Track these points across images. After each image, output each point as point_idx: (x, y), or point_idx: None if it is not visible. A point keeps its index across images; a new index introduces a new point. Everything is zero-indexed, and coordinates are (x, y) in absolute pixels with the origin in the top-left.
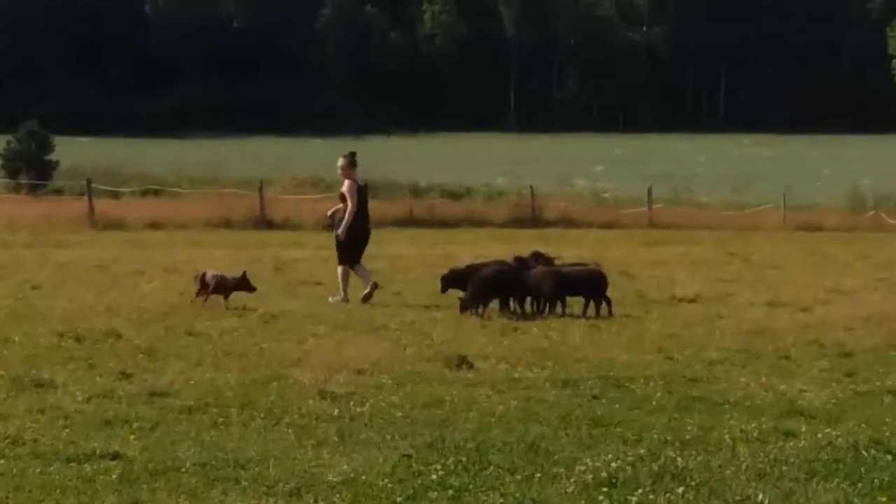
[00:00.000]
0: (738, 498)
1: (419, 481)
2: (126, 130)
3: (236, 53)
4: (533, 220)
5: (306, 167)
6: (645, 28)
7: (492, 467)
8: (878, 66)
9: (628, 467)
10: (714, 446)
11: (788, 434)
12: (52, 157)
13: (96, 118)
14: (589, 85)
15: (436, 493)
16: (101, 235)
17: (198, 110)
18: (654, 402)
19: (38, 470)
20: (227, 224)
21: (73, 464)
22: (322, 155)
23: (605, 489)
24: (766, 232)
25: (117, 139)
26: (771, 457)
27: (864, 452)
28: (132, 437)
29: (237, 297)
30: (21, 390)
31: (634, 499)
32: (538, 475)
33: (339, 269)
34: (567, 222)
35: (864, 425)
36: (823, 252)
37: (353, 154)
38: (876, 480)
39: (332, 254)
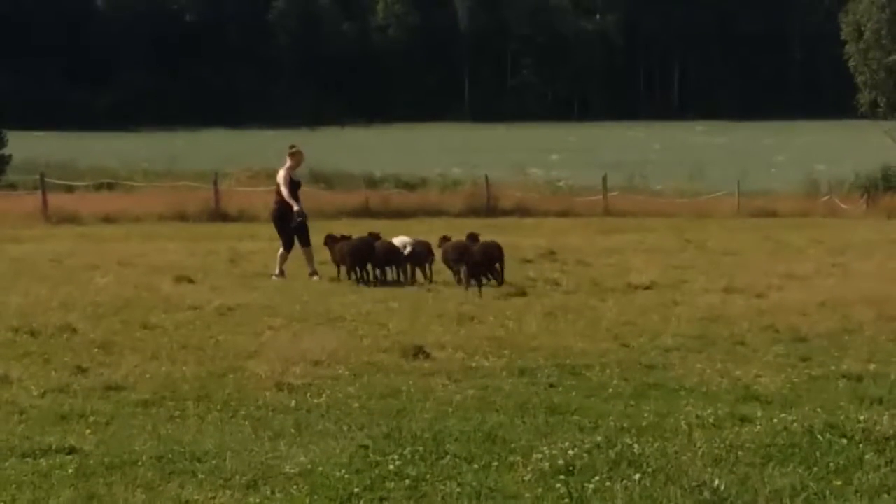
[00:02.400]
0: (694, 483)
1: (376, 472)
2: (79, 124)
3: (188, 45)
4: (489, 209)
5: (260, 159)
6: (598, 16)
7: (449, 456)
8: (830, 52)
9: (585, 455)
10: (670, 432)
11: (744, 419)
12: (6, 151)
13: (48, 112)
14: (543, 74)
15: (393, 484)
16: (56, 230)
17: (150, 103)
18: (610, 390)
19: None
20: (182, 217)
21: (28, 459)
22: (275, 147)
23: (562, 477)
24: (721, 218)
25: (71, 133)
26: (727, 442)
27: (819, 437)
28: (88, 431)
29: (192, 290)
30: None
31: (591, 486)
32: (495, 464)
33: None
34: (523, 211)
35: (819, 409)
36: (778, 238)
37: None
38: (831, 464)
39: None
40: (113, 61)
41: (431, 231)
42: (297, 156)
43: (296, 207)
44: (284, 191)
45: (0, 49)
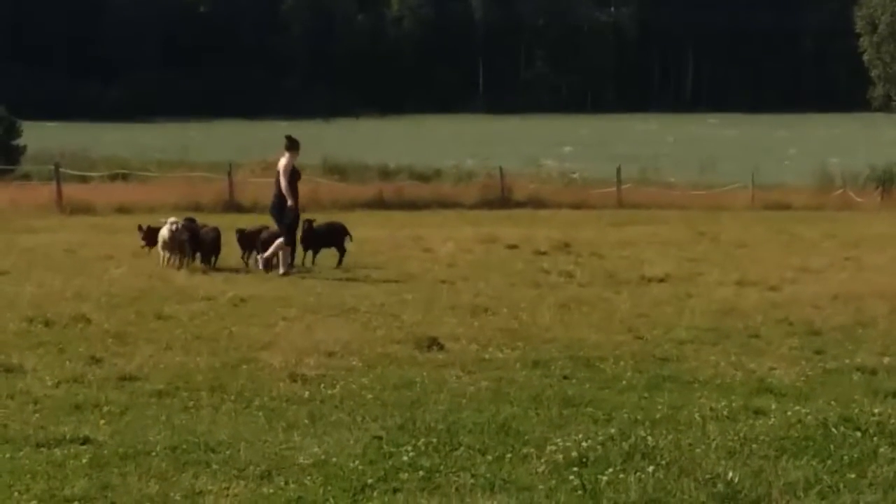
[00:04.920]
0: (708, 476)
1: (390, 463)
2: (92, 115)
3: (202, 37)
4: (502, 201)
5: (274, 150)
6: (612, 8)
7: (462, 448)
8: (842, 45)
9: (599, 447)
10: (684, 425)
11: (758, 412)
12: (20, 142)
13: (61, 103)
14: (556, 66)
15: (407, 475)
16: (70, 220)
17: (163, 95)
18: (624, 382)
19: (7, 455)
20: (196, 208)
21: (43, 449)
22: None
23: (575, 469)
24: (735, 211)
25: (84, 124)
26: (741, 435)
27: (833, 429)
28: (102, 421)
29: (206, 281)
30: None
31: (605, 478)
32: (509, 455)
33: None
34: (536, 203)
35: (833, 402)
36: (791, 231)
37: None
38: (845, 457)
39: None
40: (126, 53)
41: (446, 223)
42: (298, 146)
43: (290, 203)
44: (283, 182)
45: (14, 41)
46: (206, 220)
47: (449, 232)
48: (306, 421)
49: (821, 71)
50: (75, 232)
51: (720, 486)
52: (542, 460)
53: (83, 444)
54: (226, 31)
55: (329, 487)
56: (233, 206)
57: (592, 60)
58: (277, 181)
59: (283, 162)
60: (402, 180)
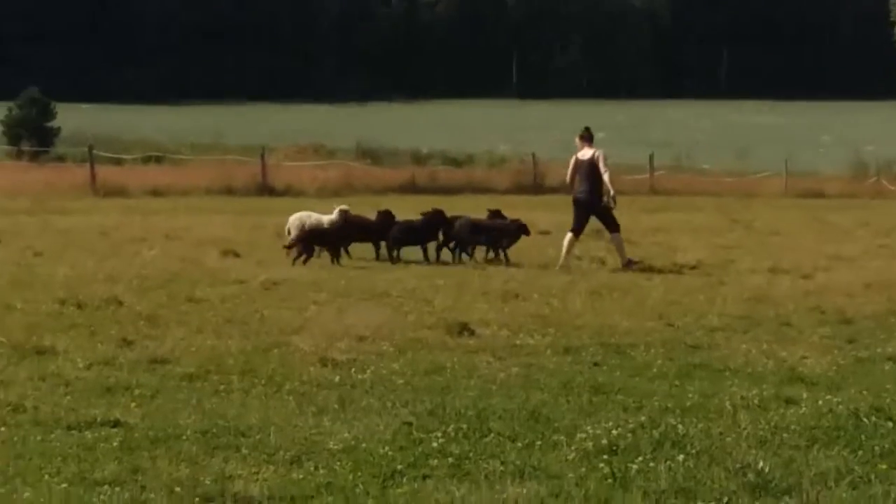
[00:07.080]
0: (738, 465)
1: (420, 449)
2: (126, 97)
3: (235, 21)
4: (535, 186)
5: (307, 134)
6: None
7: (492, 434)
8: (879, 33)
9: (629, 434)
10: (715, 413)
11: (789, 401)
12: (54, 123)
13: (96, 85)
14: (590, 52)
15: (436, 461)
16: (103, 202)
17: (197, 78)
18: (654, 370)
19: (38, 437)
20: (229, 191)
21: (73, 431)
22: (322, 122)
23: (605, 456)
24: (768, 198)
25: (118, 106)
26: (772, 424)
27: (864, 419)
28: (133, 404)
29: (238, 264)
30: (22, 357)
31: (635, 466)
32: (539, 442)
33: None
34: (569, 189)
35: (864, 392)
36: (824, 219)
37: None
38: (876, 447)
39: None
40: (159, 37)
41: (480, 207)
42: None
43: (613, 193)
44: (607, 174)
45: (48, 24)
46: (241, 203)
47: (481, 216)
48: (336, 406)
49: (857, 58)
50: (109, 214)
51: (750, 476)
52: (572, 448)
53: (114, 426)
54: (260, 15)
55: (359, 473)
56: (266, 190)
57: (627, 47)
58: (589, 175)
59: (596, 153)
60: (434, 165)
